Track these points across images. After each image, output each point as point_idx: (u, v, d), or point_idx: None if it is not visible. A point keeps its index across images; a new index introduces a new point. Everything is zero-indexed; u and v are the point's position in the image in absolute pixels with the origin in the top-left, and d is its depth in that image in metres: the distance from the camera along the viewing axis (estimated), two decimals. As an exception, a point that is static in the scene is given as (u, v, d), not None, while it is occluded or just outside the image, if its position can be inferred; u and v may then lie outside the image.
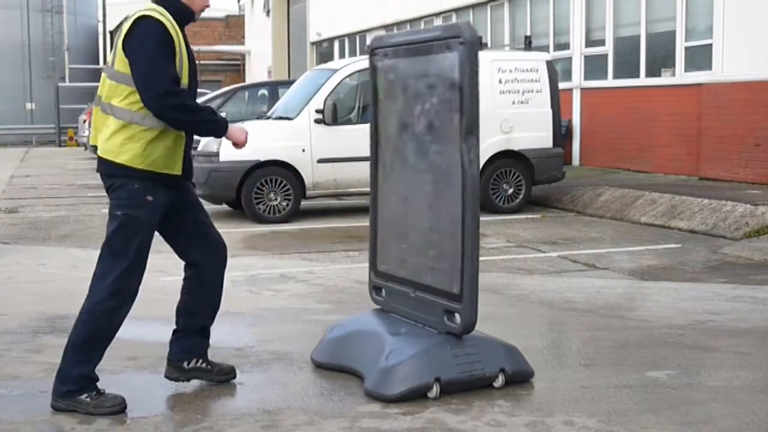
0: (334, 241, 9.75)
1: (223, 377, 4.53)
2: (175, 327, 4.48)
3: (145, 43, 4.07)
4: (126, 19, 4.23)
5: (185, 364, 4.44)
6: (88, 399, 4.10)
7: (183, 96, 4.13)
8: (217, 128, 4.26)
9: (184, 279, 4.47)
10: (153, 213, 4.17)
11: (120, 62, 4.12)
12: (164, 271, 6.79)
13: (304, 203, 11.70)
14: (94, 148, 4.31)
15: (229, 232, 10.49)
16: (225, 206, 12.15)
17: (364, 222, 11.51)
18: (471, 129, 4.23)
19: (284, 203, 11.29)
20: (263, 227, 10.86)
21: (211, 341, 4.55)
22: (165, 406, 4.28)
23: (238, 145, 4.38)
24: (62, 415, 4.10)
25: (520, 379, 4.50)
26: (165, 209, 4.23)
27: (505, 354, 4.51)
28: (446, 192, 4.37)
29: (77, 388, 4.12)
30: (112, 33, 47.77)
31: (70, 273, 7.95)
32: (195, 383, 4.52)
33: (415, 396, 4.22)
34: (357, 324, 4.87)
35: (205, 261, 4.41)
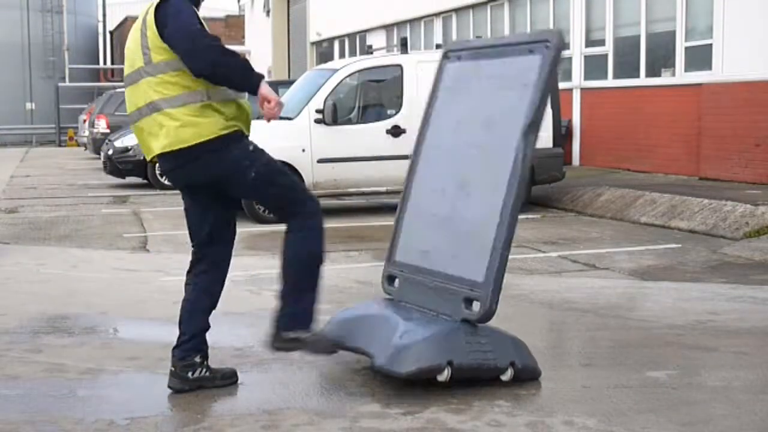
0: (334, 241, 9.72)
1: (227, 381, 4.50)
2: (180, 333, 4.45)
3: (182, 16, 4.08)
4: (145, 14, 4.20)
5: (190, 374, 4.40)
6: (308, 335, 4.33)
7: (223, 47, 4.14)
8: (255, 77, 4.26)
9: (197, 275, 4.44)
10: (266, 153, 4.32)
11: (158, 51, 4.10)
12: (164, 271, 6.78)
13: (304, 203, 11.67)
14: (153, 163, 4.34)
15: (229, 232, 10.49)
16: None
17: (364, 222, 11.55)
18: (533, 128, 4.34)
19: (284, 203, 11.27)
20: (263, 227, 10.85)
21: (211, 341, 4.55)
22: (165, 406, 4.27)
23: (269, 104, 4.28)
24: (62, 415, 4.09)
25: (527, 376, 4.51)
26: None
27: (515, 348, 4.54)
28: (491, 184, 4.43)
29: (310, 318, 4.34)
30: (112, 33, 47.87)
31: (70, 273, 7.95)
32: (195, 383, 4.52)
33: (426, 376, 4.22)
34: (367, 309, 4.93)
35: (223, 256, 4.52)
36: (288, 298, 4.39)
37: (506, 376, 4.43)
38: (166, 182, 15.45)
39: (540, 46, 4.39)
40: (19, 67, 38.89)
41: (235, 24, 42.28)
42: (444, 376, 4.26)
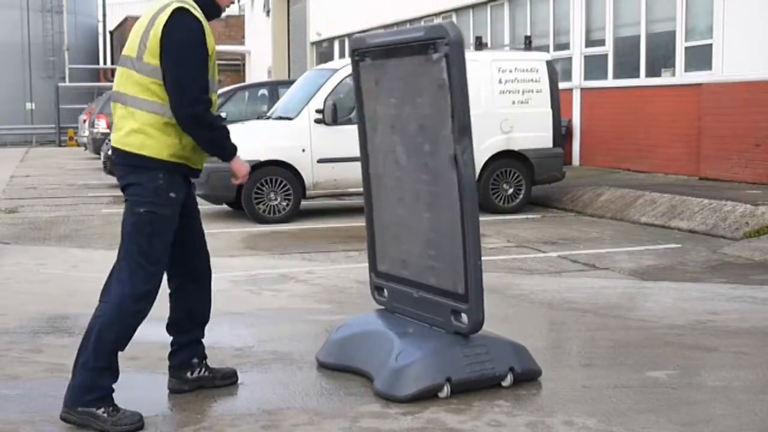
0: (334, 241, 9.75)
1: (227, 381, 4.49)
2: (171, 341, 4.42)
3: (184, 46, 3.95)
4: (159, 9, 4.03)
5: (189, 374, 4.40)
6: (105, 414, 3.90)
7: (209, 111, 4.06)
8: (226, 153, 4.21)
9: (175, 289, 4.35)
10: (176, 211, 4.10)
11: (152, 54, 3.97)
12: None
13: (304, 203, 11.70)
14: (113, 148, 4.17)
15: (229, 232, 10.50)
16: (225, 206, 12.15)
17: (364, 222, 11.49)
18: (463, 130, 4.21)
19: (284, 203, 11.29)
20: (263, 227, 10.86)
21: (211, 341, 4.55)
22: (165, 406, 4.27)
23: (236, 177, 4.33)
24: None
25: (528, 377, 4.51)
26: (181, 209, 4.15)
27: (514, 353, 4.53)
28: (443, 193, 4.36)
29: (97, 399, 3.93)
30: (112, 33, 47.88)
31: (70, 273, 7.96)
32: (195, 383, 4.52)
33: (427, 396, 4.22)
34: (362, 324, 4.86)
35: (200, 269, 4.36)
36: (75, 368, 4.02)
37: (506, 382, 4.43)
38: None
39: (439, 42, 4.19)
40: (19, 67, 38.91)
41: (235, 24, 42.28)
42: (444, 393, 4.26)
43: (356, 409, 4.17)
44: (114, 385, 4.00)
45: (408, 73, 4.48)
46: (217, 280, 7.32)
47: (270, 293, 7.02)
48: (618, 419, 4.01)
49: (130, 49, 4.07)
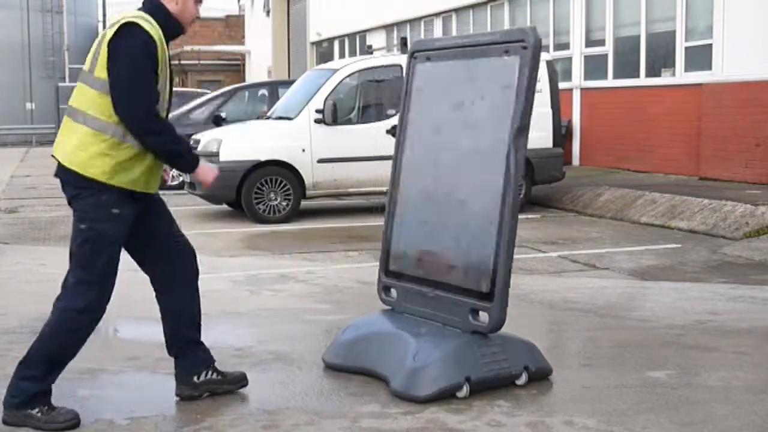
0: (334, 241, 9.75)
1: (236, 385, 4.41)
2: (171, 351, 4.33)
3: (131, 54, 3.83)
4: (111, 24, 3.97)
5: (195, 378, 4.32)
6: (39, 414, 3.90)
7: (163, 120, 3.97)
8: (189, 164, 4.10)
9: (160, 295, 4.26)
10: (120, 226, 3.97)
11: (102, 69, 3.88)
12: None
13: (304, 203, 11.70)
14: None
15: (229, 232, 10.51)
16: (225, 206, 12.15)
17: (364, 222, 11.55)
18: (522, 131, 4.26)
19: (284, 203, 11.29)
20: (263, 227, 10.86)
21: (211, 341, 4.54)
22: (165, 406, 4.27)
23: (204, 184, 4.28)
24: (62, 415, 4.08)
25: (541, 376, 4.53)
26: (132, 222, 4.02)
27: (528, 352, 4.55)
28: (483, 190, 4.37)
29: (28, 402, 3.92)
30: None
31: (70, 273, 7.95)
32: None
33: (445, 396, 4.21)
34: (371, 325, 4.82)
35: (182, 271, 4.23)
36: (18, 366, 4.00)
37: (521, 381, 4.44)
38: (167, 182, 15.51)
39: (516, 46, 4.25)
40: (19, 67, 38.92)
41: (235, 24, 42.30)
42: (463, 392, 4.25)
43: (356, 409, 4.17)
44: (116, 384, 3.97)
45: (470, 75, 4.51)
46: (217, 280, 7.37)
47: (270, 293, 7.02)
48: (618, 419, 4.01)
49: (86, 63, 4.00)
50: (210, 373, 4.34)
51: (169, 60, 4.09)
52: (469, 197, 4.47)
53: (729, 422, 4.00)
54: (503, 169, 4.27)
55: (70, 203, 4.03)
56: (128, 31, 3.88)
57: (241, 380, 4.44)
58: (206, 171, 4.20)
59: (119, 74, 3.85)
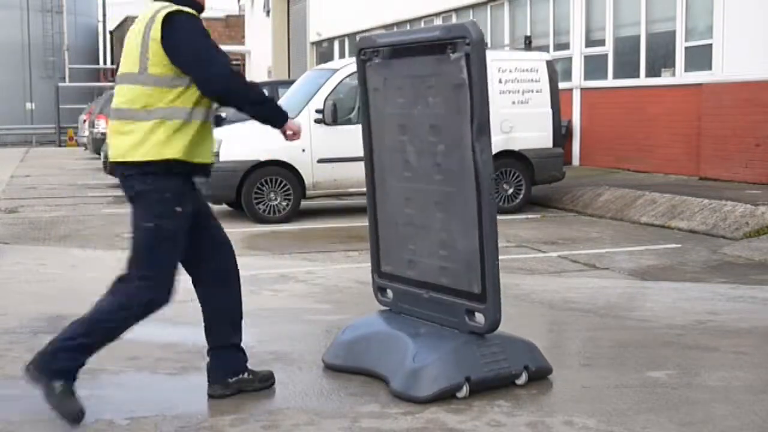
0: (334, 241, 9.75)
1: (265, 384, 4.42)
2: (207, 346, 4.36)
3: (191, 30, 3.99)
4: (149, 20, 4.03)
5: (229, 378, 4.33)
6: (61, 389, 3.93)
7: (243, 79, 4.11)
8: (280, 115, 4.24)
9: (201, 294, 4.32)
10: (182, 223, 4.09)
11: (157, 65, 3.97)
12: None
13: (304, 203, 11.70)
14: (113, 166, 4.13)
15: (229, 232, 10.43)
16: (225, 206, 12.15)
17: (364, 222, 11.46)
18: (482, 129, 4.21)
19: (284, 203, 11.30)
20: (263, 227, 10.86)
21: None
22: (165, 406, 4.27)
23: (294, 136, 4.32)
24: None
25: (541, 375, 4.54)
26: (191, 220, 4.14)
27: (527, 351, 4.54)
28: (457, 192, 4.35)
29: (60, 373, 3.95)
30: (112, 33, 47.87)
31: (70, 273, 7.96)
32: (189, 382, 4.52)
33: (445, 396, 4.21)
34: (370, 326, 4.82)
35: (223, 270, 4.31)
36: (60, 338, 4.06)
37: (521, 380, 4.44)
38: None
39: (460, 42, 4.17)
40: (19, 67, 38.95)
41: (235, 24, 42.29)
42: (463, 392, 4.25)
43: (356, 409, 4.17)
44: (116, 384, 3.98)
45: (420, 73, 4.46)
46: (217, 280, 7.36)
47: (270, 293, 7.02)
48: (618, 419, 4.01)
49: (129, 65, 4.07)
50: (243, 373, 4.36)
51: None
52: (444, 199, 4.45)
53: (729, 422, 4.00)
54: (472, 170, 4.23)
55: (132, 200, 4.10)
56: (179, 19, 3.99)
57: (269, 378, 4.46)
58: (294, 125, 4.30)
59: (191, 50, 3.98)
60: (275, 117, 4.25)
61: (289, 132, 4.31)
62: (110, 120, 4.22)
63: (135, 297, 4.03)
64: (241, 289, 4.41)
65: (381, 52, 4.69)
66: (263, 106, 4.21)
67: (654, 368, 4.80)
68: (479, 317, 4.35)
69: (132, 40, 4.09)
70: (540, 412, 4.12)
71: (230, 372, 4.33)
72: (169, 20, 3.98)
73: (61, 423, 4.00)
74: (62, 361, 3.97)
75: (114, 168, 4.17)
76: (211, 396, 4.32)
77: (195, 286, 4.34)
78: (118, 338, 4.13)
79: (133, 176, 4.05)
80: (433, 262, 4.55)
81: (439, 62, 4.32)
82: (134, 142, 4.02)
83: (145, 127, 4.01)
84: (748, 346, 5.27)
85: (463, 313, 4.39)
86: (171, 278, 4.10)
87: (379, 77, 4.74)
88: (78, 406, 3.96)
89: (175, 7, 4.03)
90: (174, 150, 4.00)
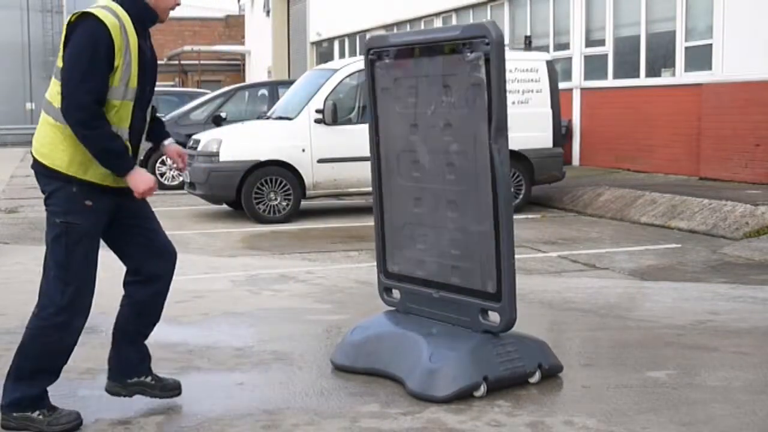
0: (334, 241, 9.75)
1: (167, 393, 4.24)
2: (112, 341, 4.21)
3: (78, 43, 3.75)
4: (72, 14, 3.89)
5: (128, 379, 4.19)
6: (40, 416, 3.85)
7: (100, 115, 3.75)
8: (120, 166, 3.81)
9: (128, 291, 4.11)
10: (95, 219, 3.85)
11: (60, 59, 3.85)
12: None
13: (304, 203, 11.70)
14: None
15: (229, 232, 10.51)
16: (225, 206, 12.15)
17: (364, 222, 11.54)
18: (500, 129, 4.21)
19: (284, 203, 11.29)
20: (263, 227, 10.86)
21: (211, 341, 4.53)
22: (165, 406, 4.27)
23: (135, 192, 3.85)
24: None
25: (553, 373, 4.56)
26: (108, 215, 3.91)
27: (540, 350, 4.57)
28: (470, 192, 4.35)
29: (27, 406, 3.86)
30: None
31: (70, 273, 7.94)
32: (189, 382, 4.52)
33: (464, 396, 4.22)
34: (380, 326, 4.80)
35: (157, 272, 4.09)
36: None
37: (534, 379, 4.46)
38: (166, 182, 15.50)
39: (478, 42, 4.17)
40: (19, 67, 38.91)
41: (235, 24, 42.27)
42: (481, 391, 4.25)
43: (356, 409, 4.17)
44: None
45: (435, 72, 4.45)
46: (217, 280, 7.38)
47: (270, 293, 7.02)
48: (618, 419, 4.01)
49: (59, 58, 3.96)
50: (144, 376, 4.21)
51: (149, 50, 3.96)
52: (457, 198, 4.44)
53: (729, 422, 4.00)
54: (488, 169, 4.23)
55: (45, 199, 3.92)
56: (80, 21, 3.79)
57: (175, 389, 4.26)
58: (139, 178, 3.84)
59: (66, 65, 3.79)
60: (117, 166, 3.82)
61: (137, 190, 3.84)
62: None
63: (50, 303, 3.85)
64: (166, 299, 4.20)
65: (392, 52, 4.68)
66: (106, 156, 3.79)
67: (654, 368, 4.80)
68: (494, 316, 4.36)
69: None
70: (540, 412, 4.12)
71: (131, 372, 4.17)
72: (73, 23, 3.82)
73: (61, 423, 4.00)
74: (22, 397, 3.87)
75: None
76: (108, 392, 4.20)
77: (128, 277, 4.12)
78: (65, 357, 3.97)
79: (40, 172, 3.90)
80: (444, 262, 4.55)
81: (455, 62, 4.31)
82: (40, 137, 3.89)
83: (48, 124, 3.86)
84: (748, 346, 5.27)
85: (477, 312, 4.40)
86: (88, 280, 3.91)
87: (389, 77, 4.73)
88: (69, 416, 3.89)
89: (94, 10, 3.81)
90: (62, 162, 3.79)
